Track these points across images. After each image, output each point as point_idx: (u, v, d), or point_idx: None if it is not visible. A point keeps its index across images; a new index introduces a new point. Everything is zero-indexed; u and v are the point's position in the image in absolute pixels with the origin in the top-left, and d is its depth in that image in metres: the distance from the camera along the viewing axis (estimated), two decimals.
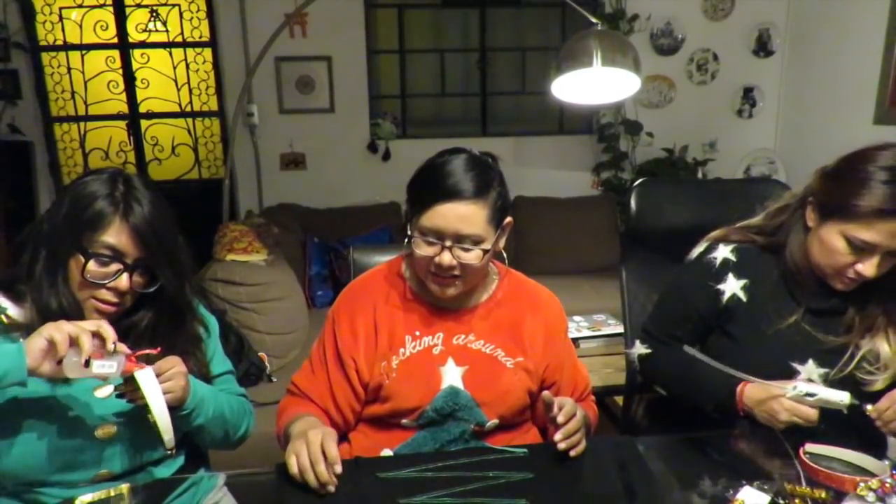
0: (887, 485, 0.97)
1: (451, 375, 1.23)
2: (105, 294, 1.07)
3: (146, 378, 1.01)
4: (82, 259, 1.05)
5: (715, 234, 1.38)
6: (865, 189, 1.11)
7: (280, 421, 1.26)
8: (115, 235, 1.05)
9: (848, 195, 1.13)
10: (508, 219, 1.23)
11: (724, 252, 1.32)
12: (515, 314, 1.28)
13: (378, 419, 1.26)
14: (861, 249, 1.13)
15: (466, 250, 1.15)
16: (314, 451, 1.02)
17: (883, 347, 1.21)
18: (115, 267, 1.06)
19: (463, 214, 1.13)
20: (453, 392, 1.22)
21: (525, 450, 1.17)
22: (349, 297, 1.30)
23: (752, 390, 1.19)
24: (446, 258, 1.15)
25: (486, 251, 1.17)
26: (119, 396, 1.05)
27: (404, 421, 1.24)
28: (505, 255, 1.28)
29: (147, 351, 1.06)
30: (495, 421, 1.24)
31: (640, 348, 1.41)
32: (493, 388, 1.23)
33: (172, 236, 1.12)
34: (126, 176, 1.10)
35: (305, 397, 1.27)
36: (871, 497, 0.96)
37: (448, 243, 1.14)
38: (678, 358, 1.32)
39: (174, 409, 1.06)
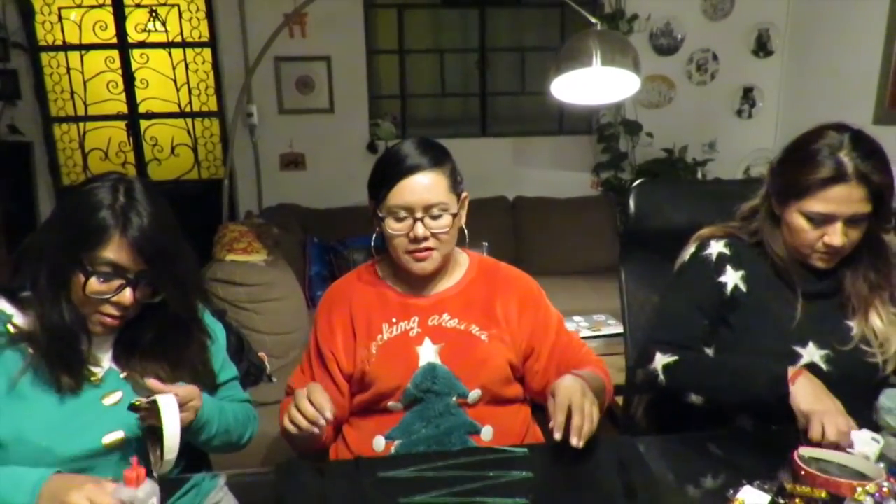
0: (884, 489, 0.96)
1: (428, 353, 1.28)
2: (109, 308, 1.06)
3: (168, 404, 1.01)
4: (83, 277, 1.03)
5: (702, 233, 1.40)
6: (810, 164, 1.20)
7: (284, 404, 1.29)
8: (114, 251, 1.02)
9: (796, 174, 1.23)
10: (465, 193, 1.31)
11: (717, 247, 1.36)
12: (487, 294, 1.35)
13: (365, 407, 1.31)
14: (822, 222, 1.21)
15: (436, 217, 1.23)
16: (301, 402, 1.10)
17: (876, 323, 1.26)
18: (117, 282, 1.04)
19: (427, 185, 1.21)
20: (431, 368, 1.27)
21: (525, 450, 1.17)
22: (327, 299, 1.38)
23: (807, 385, 1.14)
24: (420, 229, 1.22)
25: (454, 215, 1.25)
26: (132, 409, 1.04)
27: (390, 404, 1.28)
28: (465, 231, 1.33)
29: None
30: (478, 392, 1.28)
31: (663, 359, 1.32)
32: (468, 358, 1.28)
33: (174, 246, 1.09)
34: (128, 184, 1.07)
35: None
36: (868, 501, 0.95)
37: (419, 214, 1.22)
38: (708, 358, 1.32)
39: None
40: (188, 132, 4.04)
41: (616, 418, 1.96)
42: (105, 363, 1.13)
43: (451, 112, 4.27)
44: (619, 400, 1.75)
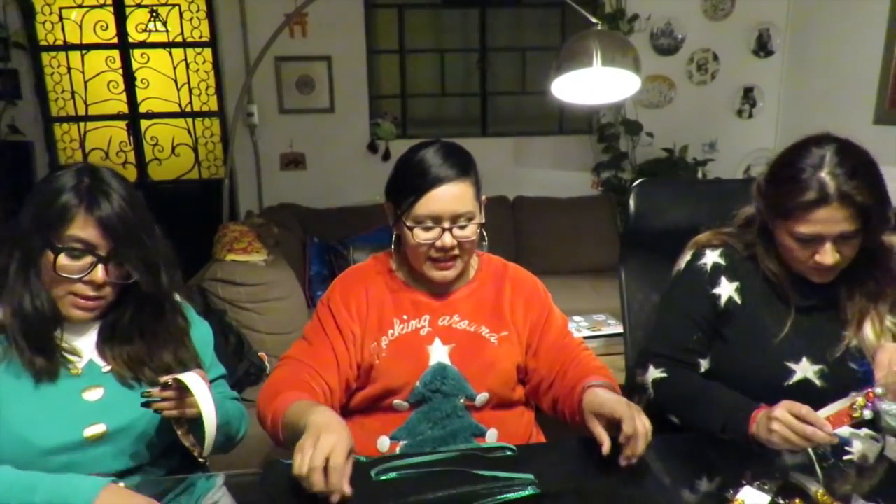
0: (870, 395, 1.04)
1: (439, 353, 1.28)
2: (82, 288, 1.05)
3: (195, 382, 1.00)
4: (52, 255, 1.03)
5: (698, 239, 1.38)
6: (793, 186, 1.16)
7: (272, 404, 1.15)
8: (81, 228, 1.03)
9: (780, 196, 1.19)
10: (483, 196, 1.31)
11: (713, 257, 1.34)
12: (496, 293, 1.34)
13: (371, 404, 1.29)
14: (810, 241, 1.17)
15: (463, 227, 1.22)
16: (318, 457, 0.92)
17: (869, 335, 1.22)
18: (88, 260, 1.04)
19: (455, 194, 1.20)
20: (441, 368, 1.27)
21: (531, 476, 1.08)
22: (343, 282, 1.35)
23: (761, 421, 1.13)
24: (447, 239, 1.21)
25: (480, 225, 1.25)
26: (145, 405, 1.04)
27: (396, 402, 1.27)
28: (485, 233, 1.31)
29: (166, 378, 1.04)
30: (485, 394, 1.28)
31: (654, 373, 1.33)
32: (478, 361, 1.28)
33: (144, 227, 1.09)
34: (93, 169, 1.08)
35: (305, 366, 1.25)
36: (867, 413, 1.04)
37: (446, 225, 1.21)
38: (694, 382, 1.30)
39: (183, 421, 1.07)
40: (189, 132, 4.05)
41: None
42: (85, 354, 1.12)
43: (451, 112, 4.27)
44: None
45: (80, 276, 1.04)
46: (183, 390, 1.04)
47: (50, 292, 1.06)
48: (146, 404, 1.04)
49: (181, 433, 1.07)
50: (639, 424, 1.03)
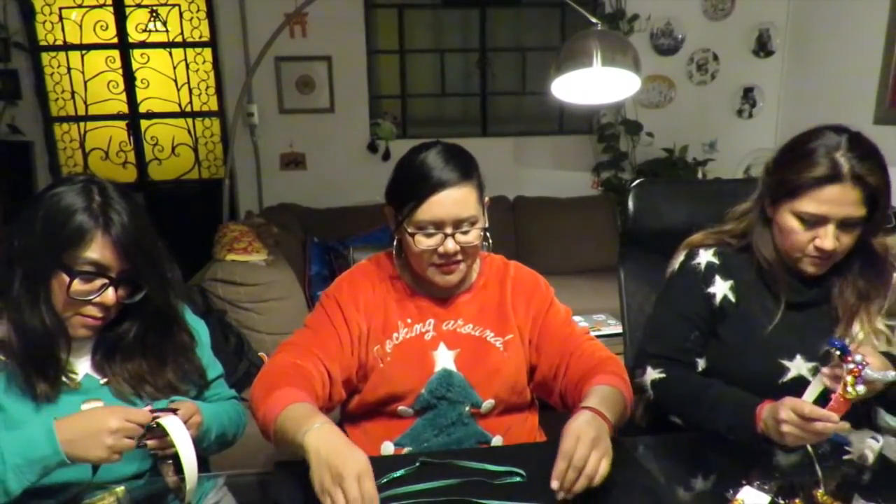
0: (855, 371, 1.04)
1: (444, 359, 1.26)
2: (91, 310, 1.05)
3: (175, 426, 0.99)
4: (66, 278, 1.02)
5: (691, 240, 1.39)
6: (806, 163, 1.18)
7: (267, 400, 1.06)
8: (98, 251, 1.02)
9: (791, 172, 1.20)
10: (486, 198, 1.28)
11: (706, 256, 1.35)
12: (499, 294, 1.32)
13: (375, 409, 1.27)
14: (814, 223, 1.18)
15: (466, 233, 1.20)
16: (353, 495, 0.88)
17: (858, 334, 1.23)
18: (99, 282, 1.04)
19: (457, 199, 1.17)
20: (447, 374, 1.25)
21: (521, 475, 1.08)
22: (351, 277, 1.32)
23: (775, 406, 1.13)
24: (450, 245, 1.18)
25: (483, 229, 1.22)
26: (141, 446, 1.02)
27: (401, 408, 1.25)
28: (488, 235, 1.27)
29: (164, 410, 1.03)
30: (491, 401, 1.27)
31: (652, 373, 1.33)
32: (483, 367, 1.26)
33: (153, 243, 1.09)
34: (100, 185, 1.06)
35: (308, 352, 1.20)
36: (860, 387, 1.04)
37: (448, 230, 1.18)
38: (694, 381, 1.30)
39: None
40: (189, 132, 4.04)
41: None
42: (81, 370, 1.12)
43: (451, 112, 4.27)
44: None
45: (91, 297, 1.04)
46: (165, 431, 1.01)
47: (58, 313, 1.05)
48: (142, 446, 1.02)
49: (166, 471, 1.04)
50: (578, 453, 0.95)
